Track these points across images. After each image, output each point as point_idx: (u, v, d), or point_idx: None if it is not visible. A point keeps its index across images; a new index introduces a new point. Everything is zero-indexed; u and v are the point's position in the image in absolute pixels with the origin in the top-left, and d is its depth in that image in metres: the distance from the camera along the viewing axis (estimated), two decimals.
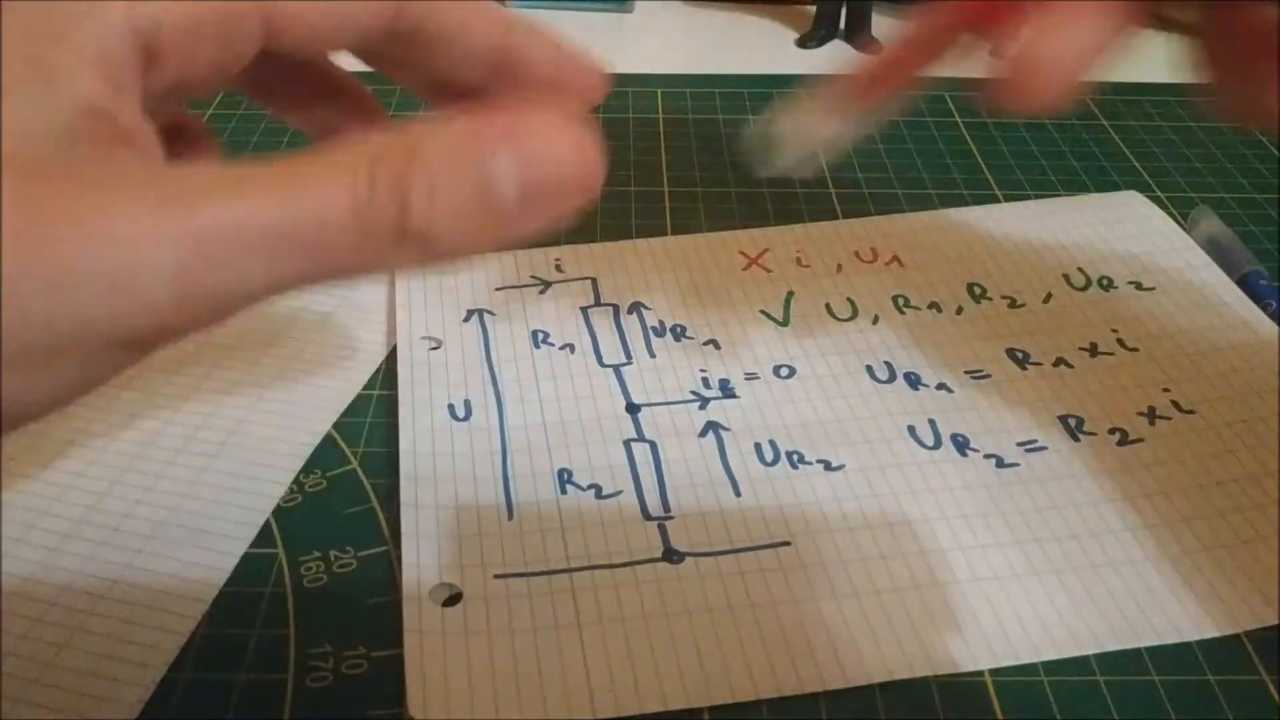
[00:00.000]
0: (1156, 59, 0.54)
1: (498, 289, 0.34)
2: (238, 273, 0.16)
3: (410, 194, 0.17)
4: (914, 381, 0.30)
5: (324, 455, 0.28)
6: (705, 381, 0.31)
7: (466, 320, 0.33)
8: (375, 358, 0.32)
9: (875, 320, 0.33)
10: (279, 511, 0.27)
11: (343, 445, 0.29)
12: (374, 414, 0.30)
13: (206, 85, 0.20)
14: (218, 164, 0.17)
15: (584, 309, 0.33)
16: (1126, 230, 0.37)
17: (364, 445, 0.29)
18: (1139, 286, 0.34)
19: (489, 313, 0.33)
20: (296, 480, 0.28)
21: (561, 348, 0.32)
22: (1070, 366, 0.31)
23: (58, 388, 0.16)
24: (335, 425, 0.29)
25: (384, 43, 0.21)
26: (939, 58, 0.22)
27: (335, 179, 0.16)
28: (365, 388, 0.31)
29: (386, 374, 0.31)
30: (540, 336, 0.32)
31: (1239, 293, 0.34)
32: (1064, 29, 0.20)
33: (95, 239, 0.15)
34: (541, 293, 0.34)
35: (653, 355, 0.32)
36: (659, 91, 0.47)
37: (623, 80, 0.48)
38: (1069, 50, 0.20)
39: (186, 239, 0.16)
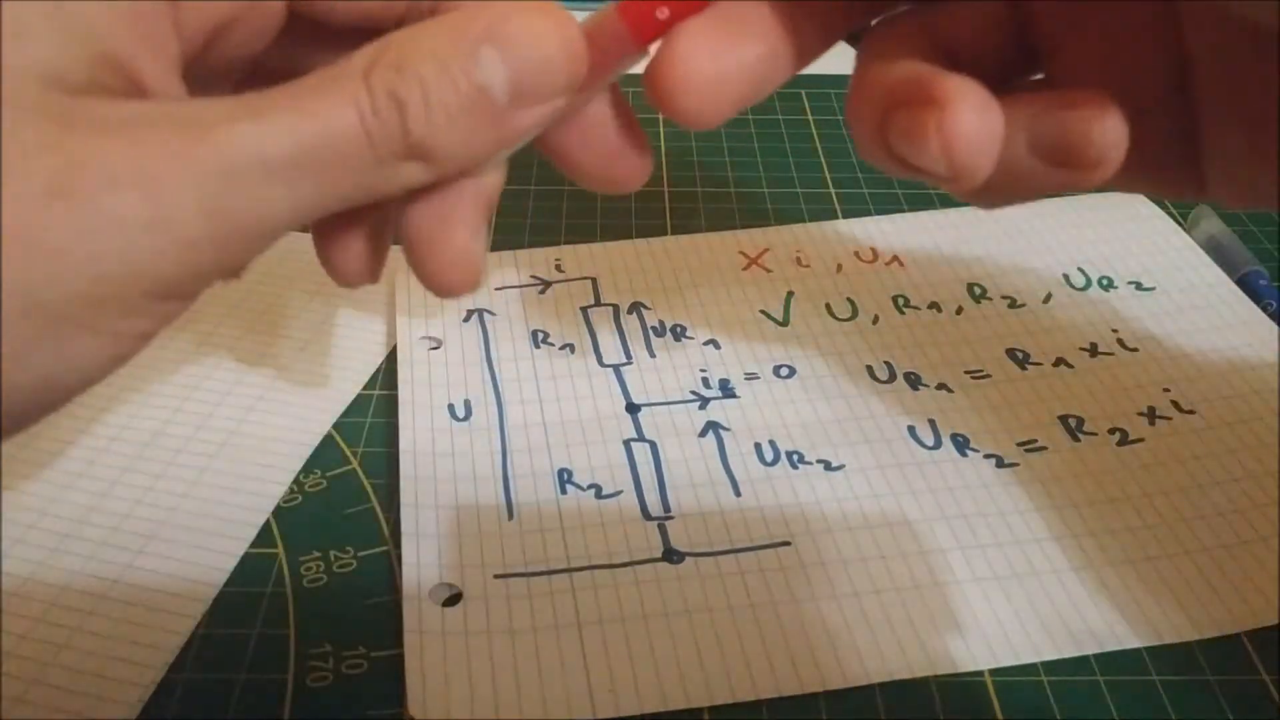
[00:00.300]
0: None
1: (498, 289, 0.34)
2: (265, 201, 0.16)
3: (406, 103, 0.16)
4: (914, 381, 0.30)
5: (324, 455, 0.28)
6: (705, 381, 0.31)
7: (466, 320, 0.33)
8: (375, 358, 0.32)
9: (875, 320, 0.33)
10: (279, 511, 0.27)
11: (343, 445, 0.29)
12: (374, 414, 0.30)
13: (244, 47, 0.20)
14: (231, 96, 0.17)
15: (584, 309, 0.33)
16: (1127, 230, 0.37)
17: (364, 445, 0.29)
18: (1139, 286, 0.34)
19: (489, 313, 0.33)
20: (296, 480, 0.28)
21: (561, 348, 0.32)
22: (1070, 366, 0.31)
23: (101, 349, 0.16)
24: (335, 425, 0.29)
25: None
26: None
27: (340, 96, 0.16)
28: (365, 388, 0.31)
29: (386, 374, 0.31)
30: (540, 336, 0.32)
31: (1239, 293, 0.34)
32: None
33: (124, 182, 0.15)
34: (541, 293, 0.34)
35: (653, 355, 0.32)
36: None
37: (623, 80, 0.48)
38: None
39: (212, 172, 0.16)
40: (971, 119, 0.17)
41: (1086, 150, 0.17)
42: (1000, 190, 0.19)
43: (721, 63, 0.19)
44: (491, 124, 0.18)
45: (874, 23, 0.20)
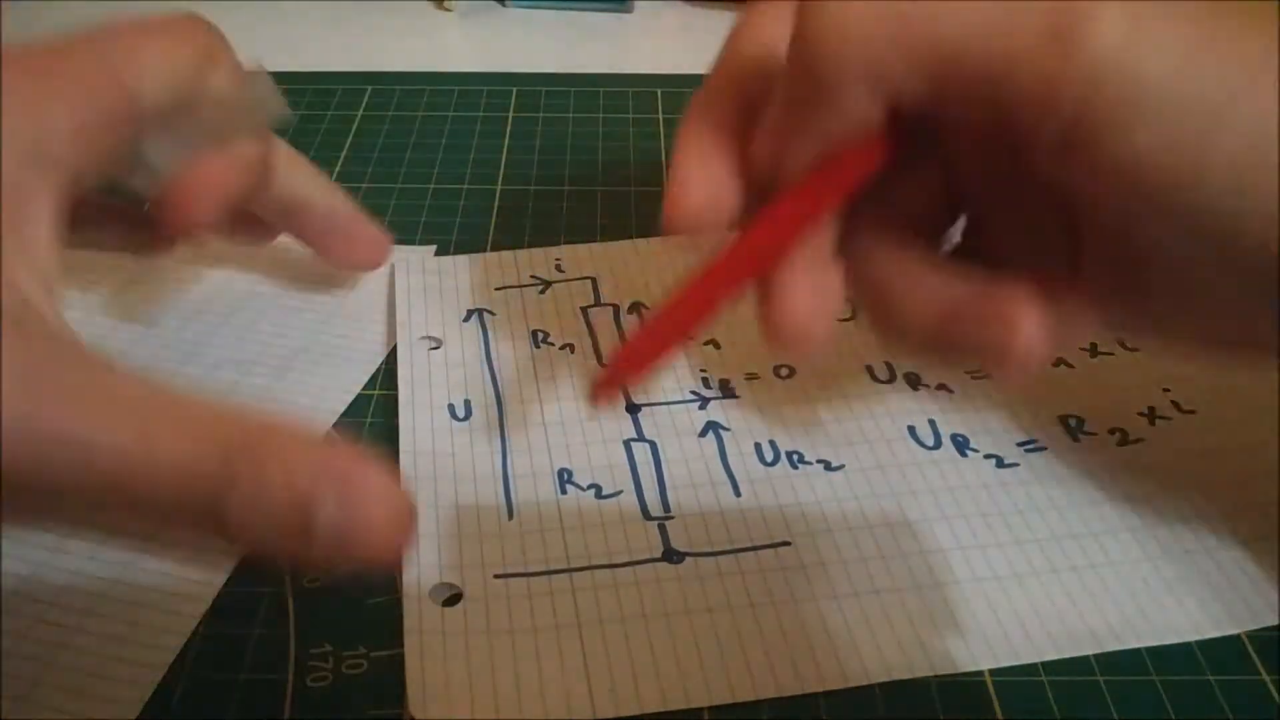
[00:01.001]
0: None
1: (498, 288, 0.34)
2: (69, 477, 0.17)
3: (235, 493, 0.18)
4: (914, 381, 0.30)
5: None
6: (705, 381, 0.31)
7: (466, 320, 0.33)
8: (375, 358, 0.32)
9: None
10: None
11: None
12: (374, 414, 0.30)
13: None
14: (110, 373, 0.18)
15: (584, 309, 0.33)
16: None
17: (364, 445, 0.29)
18: None
19: (489, 312, 0.33)
20: None
21: (561, 347, 0.32)
22: (1070, 366, 0.31)
23: None
24: (335, 425, 0.29)
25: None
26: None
27: (192, 449, 0.18)
28: (365, 388, 0.31)
29: (386, 374, 0.31)
30: (540, 336, 0.32)
31: None
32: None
33: None
34: (541, 292, 0.34)
35: None
36: (659, 91, 0.47)
37: (623, 80, 0.48)
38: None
39: (44, 430, 0.17)
40: (1038, 330, 0.19)
41: (1020, 336, 0.19)
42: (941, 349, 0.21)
43: (821, 300, 0.21)
44: (298, 545, 0.19)
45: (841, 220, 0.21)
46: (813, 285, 0.20)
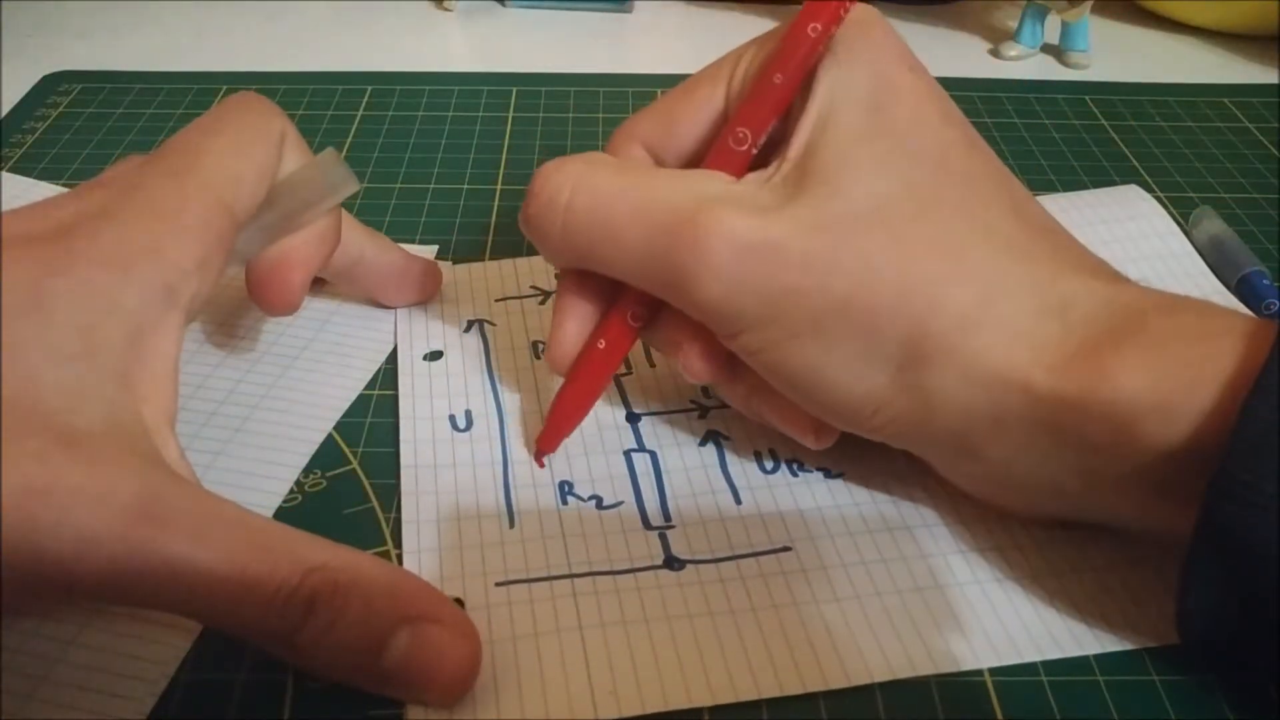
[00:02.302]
0: (1156, 59, 0.54)
1: (498, 300, 0.34)
2: (167, 592, 0.20)
3: (311, 621, 0.20)
4: None
5: (324, 455, 0.28)
6: (705, 390, 0.31)
7: (467, 331, 0.33)
8: (376, 358, 0.32)
9: None
10: (279, 512, 0.27)
11: (343, 445, 0.29)
12: (374, 414, 0.30)
13: None
14: (213, 502, 0.21)
15: None
16: (1126, 230, 0.37)
17: (364, 445, 0.29)
18: None
19: (489, 323, 0.33)
20: (296, 480, 0.28)
21: None
22: None
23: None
24: (335, 425, 0.29)
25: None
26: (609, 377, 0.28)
27: (278, 575, 0.20)
28: (365, 388, 0.31)
29: (387, 374, 0.31)
30: (540, 348, 0.32)
31: (1234, 300, 0.34)
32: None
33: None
34: (541, 303, 0.34)
35: (652, 365, 0.32)
36: (659, 91, 0.47)
37: (623, 80, 0.48)
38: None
39: (156, 552, 0.19)
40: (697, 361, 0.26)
41: (692, 373, 0.26)
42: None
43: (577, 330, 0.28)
44: (366, 674, 0.21)
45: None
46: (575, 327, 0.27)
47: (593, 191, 0.25)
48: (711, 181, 0.24)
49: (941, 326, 0.22)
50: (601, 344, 0.27)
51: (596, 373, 0.27)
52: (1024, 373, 0.22)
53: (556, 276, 0.35)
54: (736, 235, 0.23)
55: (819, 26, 0.24)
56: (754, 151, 0.25)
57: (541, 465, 0.28)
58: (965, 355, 0.22)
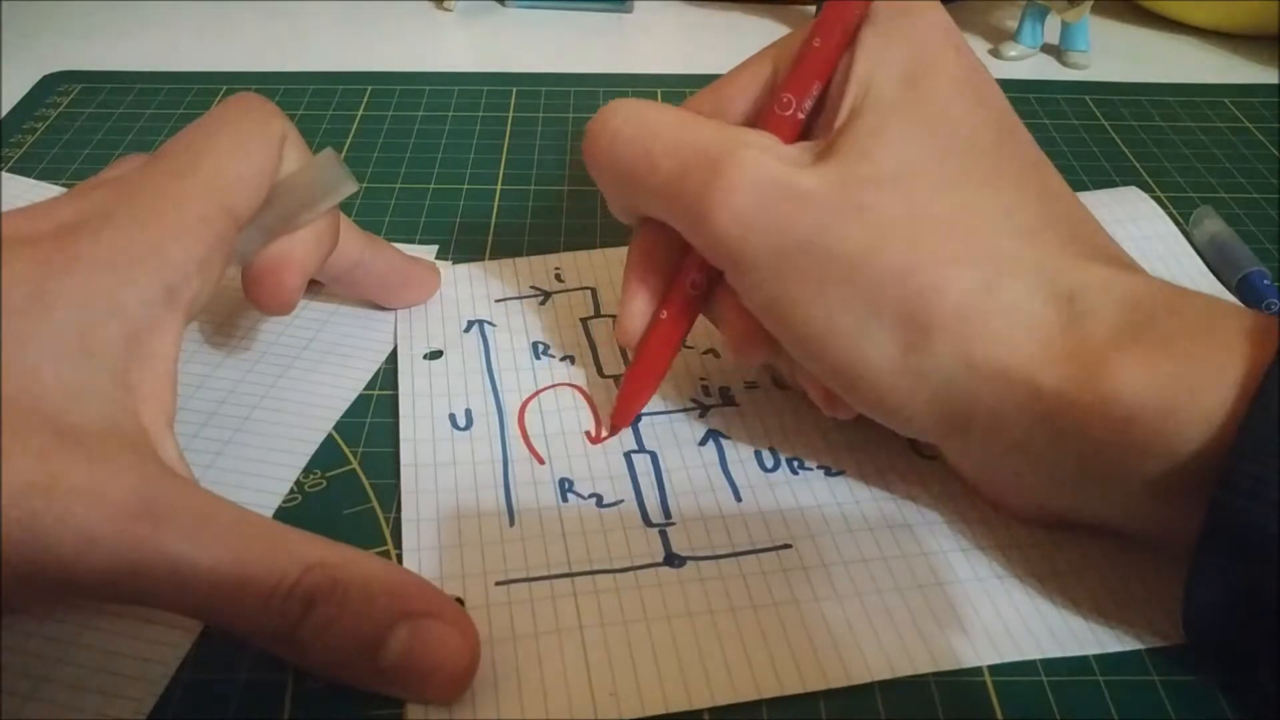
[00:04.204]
0: (1156, 59, 0.54)
1: (498, 300, 0.34)
2: (166, 589, 0.20)
3: (311, 618, 0.20)
4: None
5: (324, 455, 0.28)
6: (705, 389, 0.31)
7: (467, 331, 0.33)
8: (377, 357, 0.32)
9: None
10: (280, 512, 0.27)
11: (343, 445, 0.29)
12: (374, 414, 0.30)
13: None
14: (212, 501, 0.21)
15: (584, 320, 0.33)
16: (1126, 231, 0.37)
17: (364, 445, 0.29)
18: None
19: (489, 323, 0.33)
20: (296, 480, 0.28)
21: (562, 359, 0.32)
22: None
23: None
24: (335, 425, 0.29)
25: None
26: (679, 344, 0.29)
27: (278, 573, 0.20)
28: (366, 388, 0.31)
29: (387, 374, 0.31)
30: (541, 348, 0.32)
31: (1234, 300, 0.34)
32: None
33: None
34: (542, 304, 0.34)
35: None
36: (659, 91, 0.47)
37: (623, 80, 0.48)
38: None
39: (155, 549, 0.19)
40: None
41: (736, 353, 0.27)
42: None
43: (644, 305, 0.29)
44: (363, 668, 0.21)
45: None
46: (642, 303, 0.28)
47: (641, 121, 0.26)
48: (754, 135, 0.25)
49: (944, 309, 0.22)
50: (664, 315, 0.28)
51: (663, 343, 0.28)
52: (1025, 365, 0.22)
53: (558, 276, 0.35)
54: (760, 176, 0.23)
55: None
56: (800, 117, 0.25)
57: (599, 441, 0.29)
58: (966, 342, 0.22)
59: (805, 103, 0.25)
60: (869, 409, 0.25)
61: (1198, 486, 0.20)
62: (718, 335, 0.32)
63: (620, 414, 0.29)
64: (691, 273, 0.27)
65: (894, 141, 0.23)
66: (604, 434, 0.29)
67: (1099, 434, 0.21)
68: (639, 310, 0.28)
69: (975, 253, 0.22)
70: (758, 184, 0.23)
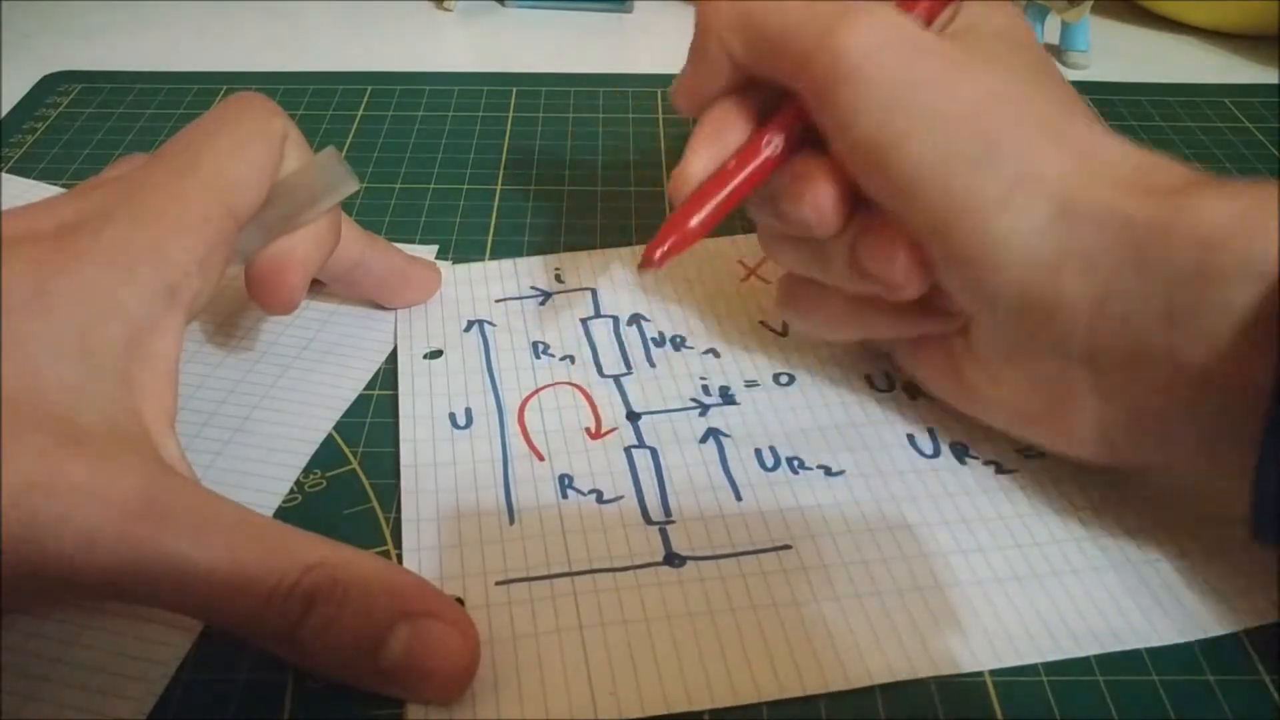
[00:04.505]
0: (1156, 59, 0.54)
1: (498, 301, 0.34)
2: (165, 588, 0.20)
3: (311, 617, 0.20)
4: (913, 391, 0.30)
5: (324, 455, 0.28)
6: (705, 389, 0.31)
7: (467, 331, 0.33)
8: (376, 357, 0.32)
9: None
10: (279, 512, 0.27)
11: (343, 445, 0.29)
12: (374, 414, 0.30)
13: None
14: (212, 501, 0.21)
15: (584, 321, 0.33)
16: None
17: (364, 445, 0.29)
18: None
19: (489, 324, 0.33)
20: (296, 480, 0.28)
21: (562, 359, 0.32)
22: None
23: None
24: (335, 425, 0.29)
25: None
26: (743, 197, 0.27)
27: (277, 572, 0.20)
28: (366, 388, 0.31)
29: (387, 374, 0.31)
30: (541, 348, 0.32)
31: None
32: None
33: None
34: (541, 304, 0.34)
35: (653, 365, 0.32)
36: (659, 91, 0.47)
37: (623, 80, 0.48)
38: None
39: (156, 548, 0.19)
40: (825, 191, 0.26)
41: (898, 276, 0.26)
42: (850, 271, 0.27)
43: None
44: (364, 668, 0.21)
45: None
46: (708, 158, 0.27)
47: None
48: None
49: (1042, 161, 0.23)
50: (731, 164, 0.27)
51: (718, 186, 0.26)
52: (1112, 200, 0.22)
53: (558, 277, 0.35)
54: (890, 19, 0.25)
55: None
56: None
57: (655, 266, 0.27)
58: (1058, 186, 0.23)
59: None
60: (958, 258, 0.24)
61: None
62: (717, 334, 0.32)
63: (653, 248, 0.27)
64: (771, 133, 0.26)
65: (998, 47, 0.26)
66: (654, 256, 0.26)
67: (1187, 258, 0.21)
68: (700, 164, 0.27)
69: (1063, 130, 0.24)
70: (888, 25, 0.24)
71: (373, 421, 0.30)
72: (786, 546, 0.26)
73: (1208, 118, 0.46)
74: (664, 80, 0.48)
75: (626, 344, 0.32)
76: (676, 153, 0.42)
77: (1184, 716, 0.22)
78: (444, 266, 0.35)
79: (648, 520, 0.26)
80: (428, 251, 0.36)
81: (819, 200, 0.26)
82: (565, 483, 0.27)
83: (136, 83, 0.47)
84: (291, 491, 0.27)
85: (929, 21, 0.27)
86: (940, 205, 0.24)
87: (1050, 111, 0.24)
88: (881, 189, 0.25)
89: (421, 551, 0.25)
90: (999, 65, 0.25)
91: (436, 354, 0.32)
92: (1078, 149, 0.24)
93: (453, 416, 0.29)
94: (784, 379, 0.31)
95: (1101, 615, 0.24)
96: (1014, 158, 0.23)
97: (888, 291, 0.26)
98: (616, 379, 0.31)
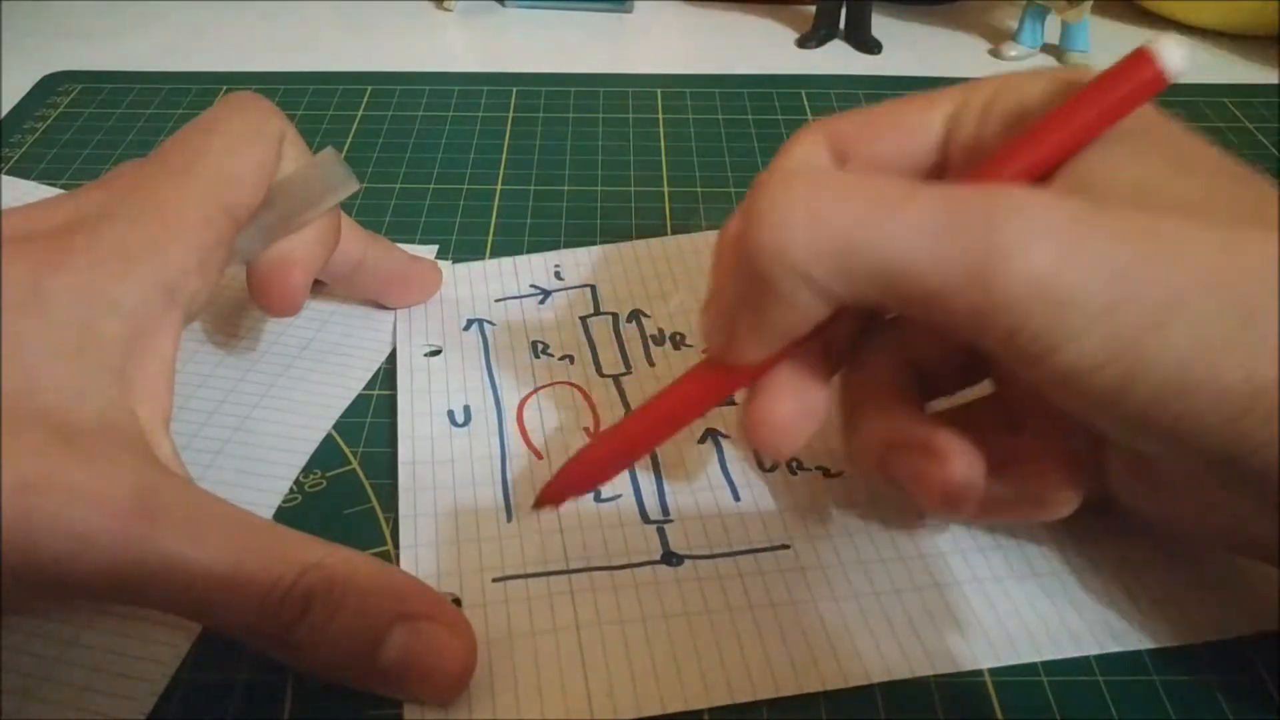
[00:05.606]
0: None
1: (497, 300, 0.34)
2: (162, 588, 0.20)
3: (308, 618, 0.20)
4: None
5: (324, 455, 0.28)
6: None
7: (466, 329, 0.33)
8: (376, 357, 0.32)
9: None
10: (279, 512, 0.27)
11: (343, 445, 0.29)
12: (374, 414, 0.30)
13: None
14: (209, 501, 0.21)
15: (583, 318, 0.33)
16: None
17: (364, 445, 0.29)
18: None
19: (489, 322, 0.33)
20: (296, 480, 0.28)
21: (561, 358, 0.32)
22: None
23: None
24: (335, 425, 0.29)
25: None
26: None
27: (274, 573, 0.20)
28: (365, 388, 0.31)
29: (387, 374, 0.31)
30: (540, 347, 0.32)
31: None
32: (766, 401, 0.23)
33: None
34: (541, 302, 0.34)
35: (652, 364, 0.32)
36: (659, 91, 0.47)
37: (623, 80, 0.48)
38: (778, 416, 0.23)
39: (151, 548, 0.19)
40: (964, 469, 0.22)
41: (1059, 504, 0.23)
42: (980, 516, 0.24)
43: (801, 413, 0.23)
44: (364, 669, 0.21)
45: (852, 358, 0.25)
46: (795, 399, 0.22)
47: (842, 186, 0.19)
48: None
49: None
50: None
51: (670, 417, 0.24)
52: None
53: (557, 274, 0.35)
54: (1059, 200, 0.18)
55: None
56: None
57: (546, 510, 0.26)
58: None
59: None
60: (1242, 475, 0.18)
61: None
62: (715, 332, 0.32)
63: (569, 481, 0.26)
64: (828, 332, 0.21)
65: (1126, 161, 0.21)
66: (547, 502, 0.26)
67: None
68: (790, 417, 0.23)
69: None
70: (1057, 207, 0.18)
71: (372, 421, 0.30)
72: (785, 546, 0.26)
73: (1208, 118, 0.46)
74: (664, 80, 0.48)
75: (626, 342, 0.32)
76: (676, 152, 0.43)
77: (1184, 717, 0.22)
78: (444, 266, 0.35)
79: (646, 519, 0.26)
80: (428, 251, 0.36)
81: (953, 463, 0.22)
82: None
83: (136, 83, 0.47)
84: (291, 491, 0.27)
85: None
86: (1208, 412, 0.17)
87: (1269, 224, 0.19)
88: (1112, 417, 0.18)
89: (419, 548, 0.25)
90: (1176, 191, 0.20)
91: (436, 353, 0.32)
92: None
93: (451, 414, 0.29)
94: None
95: (1101, 615, 0.24)
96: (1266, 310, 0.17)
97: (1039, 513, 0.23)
98: (615, 378, 0.31)
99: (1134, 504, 0.24)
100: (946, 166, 0.24)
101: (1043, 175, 0.21)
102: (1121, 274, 0.17)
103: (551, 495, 0.26)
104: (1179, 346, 0.17)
